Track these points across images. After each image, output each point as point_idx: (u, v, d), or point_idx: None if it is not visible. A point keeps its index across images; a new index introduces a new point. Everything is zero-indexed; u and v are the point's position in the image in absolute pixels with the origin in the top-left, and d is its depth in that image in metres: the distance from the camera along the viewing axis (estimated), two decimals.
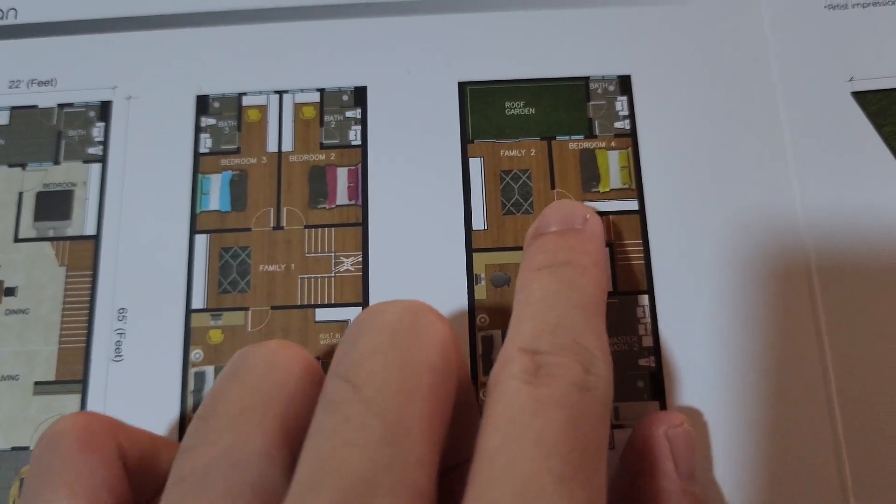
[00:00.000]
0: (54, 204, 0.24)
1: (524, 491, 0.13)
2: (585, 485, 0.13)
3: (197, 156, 0.24)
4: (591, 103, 0.24)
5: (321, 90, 0.24)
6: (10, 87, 0.25)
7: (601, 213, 0.23)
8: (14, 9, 0.26)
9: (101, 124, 0.24)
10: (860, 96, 0.24)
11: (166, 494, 0.14)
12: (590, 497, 0.13)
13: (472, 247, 0.23)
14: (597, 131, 0.24)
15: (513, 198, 0.23)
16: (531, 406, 0.14)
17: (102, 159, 0.24)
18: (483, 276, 0.22)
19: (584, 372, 0.15)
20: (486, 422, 0.14)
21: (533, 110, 0.24)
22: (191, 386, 0.22)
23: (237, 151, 0.24)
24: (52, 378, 0.22)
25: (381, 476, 0.13)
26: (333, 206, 0.23)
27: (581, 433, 0.14)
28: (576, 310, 0.17)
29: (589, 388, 0.15)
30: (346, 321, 0.22)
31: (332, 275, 0.23)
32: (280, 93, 0.24)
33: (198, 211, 0.23)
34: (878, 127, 0.23)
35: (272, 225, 0.23)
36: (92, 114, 0.24)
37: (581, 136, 0.24)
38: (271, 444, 0.14)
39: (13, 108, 0.25)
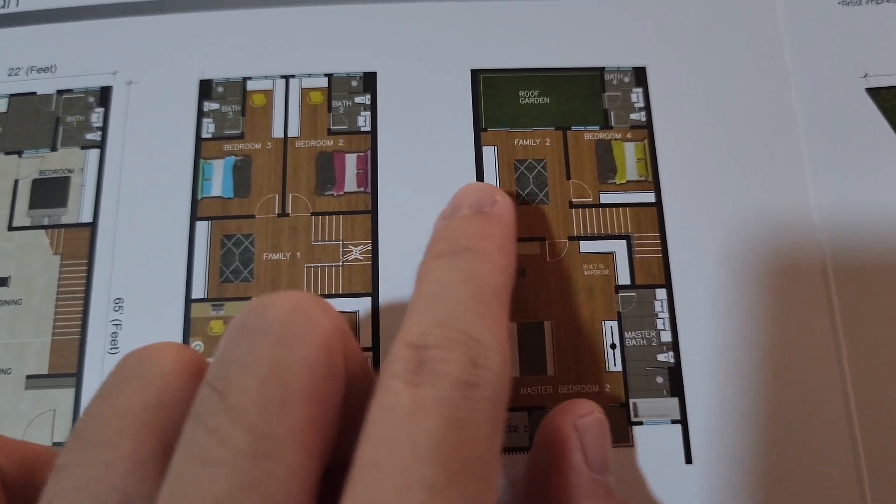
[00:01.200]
0: (50, 191, 0.23)
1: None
2: (464, 492, 0.12)
3: (199, 141, 0.23)
4: (606, 94, 0.24)
5: (329, 75, 0.24)
6: (9, 75, 0.24)
7: (618, 205, 0.22)
8: None
9: (101, 110, 0.23)
10: (874, 92, 0.23)
11: None
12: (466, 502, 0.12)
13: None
14: (612, 122, 0.23)
15: (528, 187, 0.22)
16: (409, 409, 0.13)
17: (101, 145, 0.23)
18: None
19: (472, 366, 0.14)
20: (364, 429, 0.13)
21: (547, 100, 0.23)
22: None
23: (241, 136, 0.23)
24: (44, 371, 0.21)
25: (242, 495, 0.12)
26: (342, 193, 0.22)
27: (463, 436, 0.13)
28: (471, 299, 0.16)
29: (476, 384, 0.14)
30: (354, 312, 0.21)
31: (340, 264, 0.22)
32: (286, 77, 0.24)
33: (199, 197, 0.22)
34: (893, 123, 0.23)
35: (277, 212, 0.22)
36: (91, 99, 0.24)
37: (597, 127, 0.23)
38: (147, 462, 0.13)
39: (12, 96, 0.24)
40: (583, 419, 0.18)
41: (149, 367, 0.15)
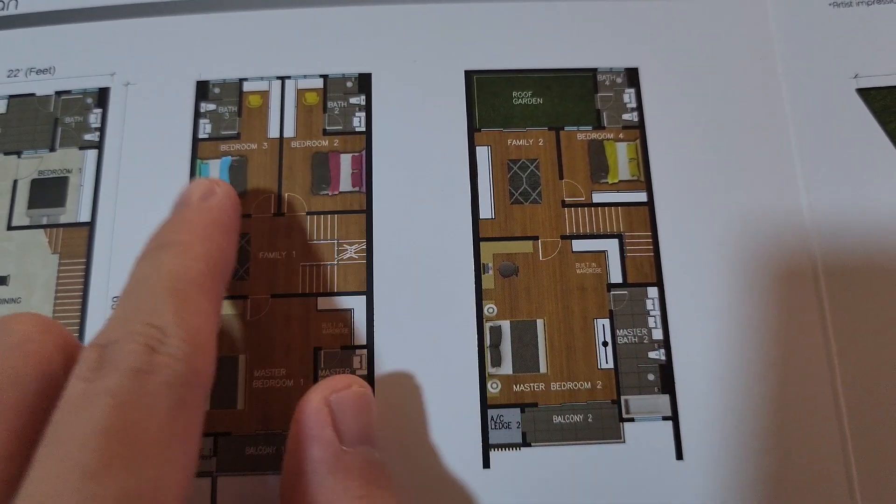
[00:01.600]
0: (48, 191, 0.23)
1: (44, 496, 0.12)
2: (125, 474, 0.12)
3: (196, 141, 0.23)
4: (598, 95, 0.24)
5: (324, 76, 0.24)
6: (8, 76, 0.24)
7: (610, 204, 0.23)
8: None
9: (98, 111, 0.24)
10: (865, 93, 0.24)
11: None
12: (131, 487, 0.12)
13: (479, 236, 0.22)
14: (605, 123, 0.23)
15: (521, 187, 0.23)
16: (78, 401, 0.13)
17: (98, 146, 0.23)
18: (491, 265, 0.22)
19: (148, 353, 0.14)
20: (47, 428, 0.13)
21: (540, 100, 0.24)
22: None
23: (237, 137, 0.23)
24: None
25: None
26: (336, 192, 0.23)
27: (129, 419, 0.13)
28: (161, 290, 0.16)
29: (151, 370, 0.14)
30: (349, 310, 0.21)
31: (335, 262, 0.22)
32: (282, 79, 0.24)
33: None
34: (883, 123, 0.23)
35: (272, 211, 0.23)
36: (89, 100, 0.24)
37: (589, 127, 0.23)
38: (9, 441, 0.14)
39: (11, 97, 0.24)
40: (338, 394, 0.18)
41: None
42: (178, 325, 0.15)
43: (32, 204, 0.23)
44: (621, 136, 0.23)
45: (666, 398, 0.21)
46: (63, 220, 0.23)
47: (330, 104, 0.24)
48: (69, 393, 0.13)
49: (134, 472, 0.12)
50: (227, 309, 0.22)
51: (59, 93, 0.24)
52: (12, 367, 0.15)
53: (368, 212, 0.22)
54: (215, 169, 0.23)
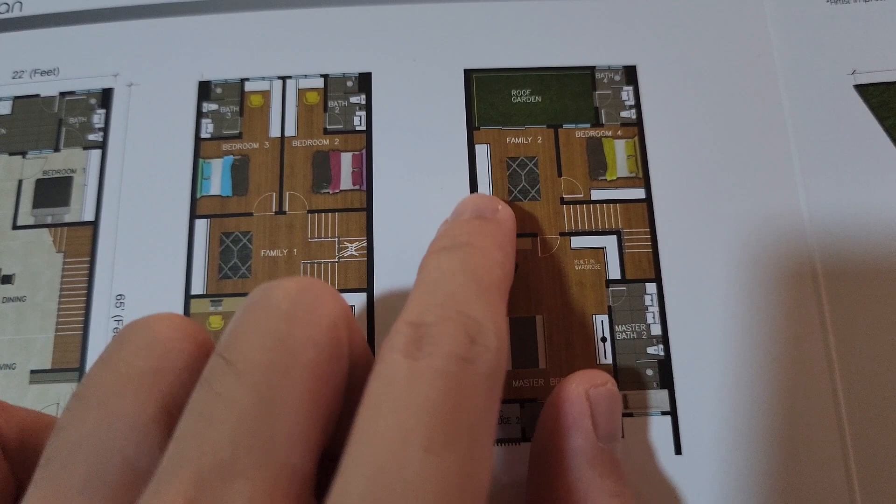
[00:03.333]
0: (53, 190, 0.23)
1: (388, 465, 0.12)
2: (458, 455, 0.13)
3: (198, 141, 0.23)
4: (597, 92, 0.24)
5: (325, 76, 0.24)
6: (13, 78, 0.25)
7: (609, 201, 0.23)
8: (20, 1, 0.26)
9: (102, 111, 0.24)
10: (862, 89, 0.24)
11: (35, 474, 0.14)
12: (463, 467, 0.13)
13: None
14: (603, 120, 0.24)
15: (520, 184, 0.23)
16: (407, 377, 0.13)
17: (102, 146, 0.24)
18: None
19: (469, 342, 0.14)
20: (363, 399, 0.13)
21: (539, 98, 0.24)
22: None
23: (239, 136, 0.24)
24: (48, 366, 0.22)
25: (245, 455, 0.12)
26: (337, 190, 0.23)
27: (458, 403, 0.13)
28: (471, 283, 0.16)
29: (472, 359, 0.14)
30: (350, 307, 0.22)
31: (336, 260, 0.22)
32: (283, 78, 0.24)
33: (198, 196, 0.23)
34: (881, 119, 0.23)
35: (274, 209, 0.23)
36: (93, 101, 0.24)
37: (588, 125, 0.24)
38: (148, 423, 0.14)
39: (16, 98, 0.24)
40: (596, 389, 0.18)
41: (146, 334, 0.15)
42: (491, 321, 0.15)
43: (37, 203, 0.23)
44: (619, 133, 0.23)
45: (664, 393, 0.21)
46: (67, 219, 0.23)
47: (330, 103, 0.24)
48: (388, 367, 0.14)
49: (467, 454, 0.13)
50: (230, 306, 0.22)
51: (63, 94, 0.24)
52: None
53: (369, 210, 0.23)
54: (218, 168, 0.23)
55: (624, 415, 0.21)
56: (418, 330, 0.14)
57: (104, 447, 0.13)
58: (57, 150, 0.24)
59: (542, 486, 0.18)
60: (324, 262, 0.22)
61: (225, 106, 0.24)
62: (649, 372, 0.21)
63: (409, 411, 0.13)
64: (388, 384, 0.13)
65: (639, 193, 0.23)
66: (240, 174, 0.23)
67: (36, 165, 0.24)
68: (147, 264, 0.22)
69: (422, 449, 0.12)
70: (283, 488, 0.12)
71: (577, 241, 0.22)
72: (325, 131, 0.24)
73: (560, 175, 0.23)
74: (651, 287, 0.22)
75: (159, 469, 0.12)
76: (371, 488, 0.12)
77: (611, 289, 0.22)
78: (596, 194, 0.23)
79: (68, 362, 0.22)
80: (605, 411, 0.18)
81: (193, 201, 0.23)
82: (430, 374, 0.13)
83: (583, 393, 0.18)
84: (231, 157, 0.23)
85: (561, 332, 0.22)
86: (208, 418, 0.13)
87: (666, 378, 0.21)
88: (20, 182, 0.23)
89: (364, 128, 0.24)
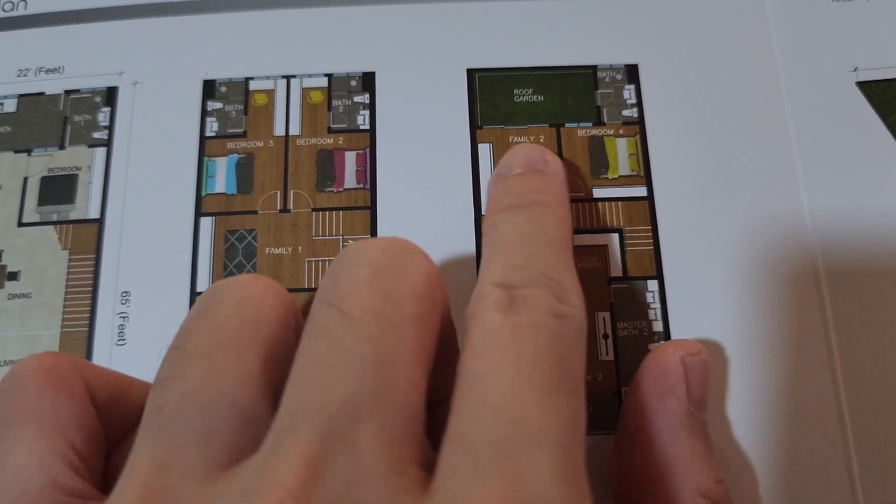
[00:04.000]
0: (58, 188, 0.23)
1: (508, 405, 0.13)
2: (568, 399, 0.13)
3: (203, 139, 0.24)
4: (598, 91, 0.24)
5: (329, 75, 0.24)
6: (18, 76, 0.25)
7: (611, 199, 0.23)
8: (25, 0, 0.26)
9: (107, 109, 0.24)
10: (864, 86, 0.24)
11: (144, 423, 0.14)
12: (572, 410, 0.13)
13: (481, 232, 0.22)
14: (605, 119, 0.24)
15: None
16: (509, 330, 0.14)
17: (107, 143, 0.24)
18: None
19: (557, 301, 0.15)
20: (466, 351, 0.14)
21: (541, 98, 0.24)
22: None
23: (244, 135, 0.24)
24: None
25: (369, 396, 0.13)
26: (341, 189, 0.23)
27: (560, 353, 0.14)
28: (547, 246, 0.17)
29: (564, 315, 0.15)
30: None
31: None
32: (287, 77, 0.24)
33: (203, 194, 0.23)
34: (883, 117, 0.23)
35: (279, 208, 0.23)
36: (98, 99, 0.24)
37: (589, 124, 0.24)
38: (252, 372, 0.14)
39: (21, 96, 0.25)
40: (691, 357, 0.19)
41: (239, 290, 0.16)
42: (572, 283, 0.16)
43: (42, 201, 0.23)
44: (621, 131, 0.24)
45: None
46: (73, 216, 0.23)
47: (334, 102, 0.24)
48: (488, 322, 0.14)
49: (573, 398, 0.14)
50: None
51: (68, 92, 0.24)
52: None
53: (372, 208, 0.23)
54: (222, 166, 0.23)
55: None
56: (507, 291, 0.15)
57: (213, 394, 0.14)
58: (62, 147, 0.24)
59: (634, 448, 0.19)
60: (328, 260, 0.22)
61: (229, 104, 0.24)
62: None
63: (522, 359, 0.14)
64: (490, 335, 0.14)
65: (640, 191, 0.23)
66: (244, 172, 0.23)
67: (41, 163, 0.24)
68: (152, 262, 0.22)
69: (540, 391, 0.13)
70: (407, 428, 0.13)
71: (578, 239, 0.22)
72: (329, 130, 0.24)
73: None
74: (653, 284, 0.22)
75: (282, 414, 0.13)
76: (497, 426, 0.12)
77: (612, 286, 0.22)
78: (598, 192, 0.23)
79: None
80: (698, 378, 0.19)
81: (198, 199, 0.23)
82: (533, 328, 0.14)
83: (679, 359, 0.19)
84: (236, 155, 0.24)
85: None
86: (330, 364, 0.13)
87: None
88: (25, 180, 0.24)
89: (368, 127, 0.24)
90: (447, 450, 0.13)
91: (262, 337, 0.15)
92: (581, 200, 0.23)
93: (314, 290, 0.22)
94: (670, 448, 0.18)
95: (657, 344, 0.21)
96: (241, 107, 0.24)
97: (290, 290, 0.22)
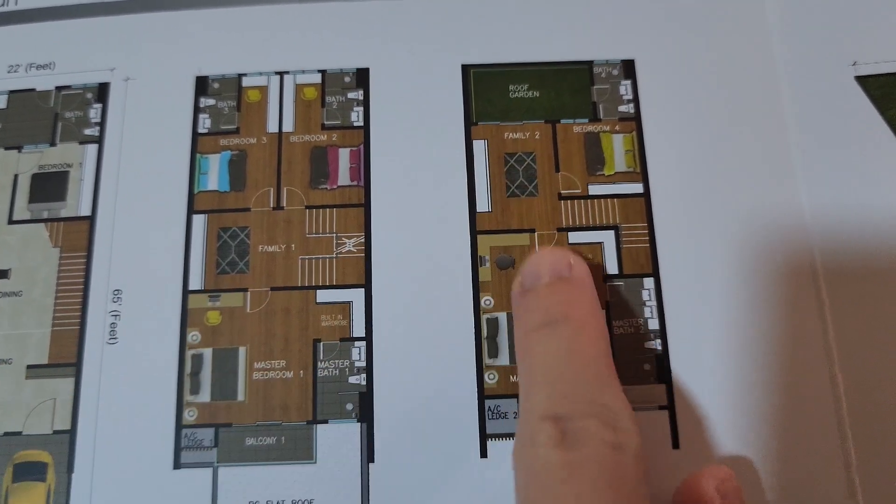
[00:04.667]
0: (49, 185, 0.23)
1: None
2: None
3: (195, 136, 0.23)
4: (595, 87, 0.24)
5: (322, 71, 0.24)
6: (8, 72, 0.24)
7: (607, 196, 0.23)
8: None
9: (98, 106, 0.24)
10: (863, 80, 0.24)
11: None
12: None
13: (476, 229, 0.22)
14: (601, 115, 0.24)
15: (517, 180, 0.23)
16: (563, 470, 0.14)
17: (99, 140, 0.24)
18: (488, 258, 0.22)
19: (612, 430, 0.15)
20: (519, 494, 0.14)
21: (537, 93, 0.24)
22: (188, 368, 0.21)
23: (236, 132, 0.23)
24: (44, 361, 0.22)
25: None
26: (335, 186, 0.23)
27: (621, 492, 0.14)
28: (587, 369, 0.17)
29: (620, 445, 0.15)
30: (348, 302, 0.22)
31: (334, 255, 0.22)
32: (281, 74, 0.24)
33: (196, 191, 0.23)
34: (882, 111, 0.23)
35: (272, 205, 0.23)
36: (89, 95, 0.24)
37: (585, 120, 0.24)
38: None
39: (11, 92, 0.24)
40: (725, 484, 0.19)
41: None
42: (622, 404, 0.16)
43: (33, 198, 0.23)
44: (617, 127, 0.23)
45: (662, 388, 0.21)
46: (64, 214, 0.23)
47: (328, 99, 0.24)
48: (540, 459, 0.14)
49: None
50: (228, 301, 0.22)
51: (59, 88, 0.24)
52: None
53: (367, 206, 0.23)
54: (215, 163, 0.23)
55: None
56: (558, 423, 0.15)
57: None
58: (53, 144, 0.24)
59: None
60: (322, 258, 0.22)
61: (222, 101, 0.24)
62: (647, 366, 0.21)
63: (580, 498, 0.13)
64: (545, 475, 0.14)
65: (637, 188, 0.23)
66: (237, 169, 0.23)
67: (32, 160, 0.24)
68: (144, 259, 0.22)
69: None
70: None
71: (574, 237, 0.22)
72: (323, 127, 0.24)
73: (557, 170, 0.23)
74: (649, 282, 0.22)
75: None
76: None
77: (609, 284, 0.22)
78: (594, 189, 0.23)
79: (65, 357, 0.22)
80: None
81: (191, 196, 0.23)
82: (587, 463, 0.14)
83: (714, 490, 0.19)
84: (228, 152, 0.23)
85: None
86: None
87: (664, 373, 0.21)
88: (16, 177, 0.23)
89: (362, 123, 0.23)
90: None
91: None
92: (576, 198, 0.23)
93: (307, 288, 0.22)
94: None
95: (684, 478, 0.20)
96: (233, 103, 0.24)
97: (284, 289, 0.22)
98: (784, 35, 0.24)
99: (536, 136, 0.23)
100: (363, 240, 0.22)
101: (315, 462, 0.21)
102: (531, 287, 0.20)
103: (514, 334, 0.19)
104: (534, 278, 0.20)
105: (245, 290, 0.22)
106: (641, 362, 0.21)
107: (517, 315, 0.20)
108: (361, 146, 0.23)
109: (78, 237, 0.23)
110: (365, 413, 0.21)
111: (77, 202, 0.23)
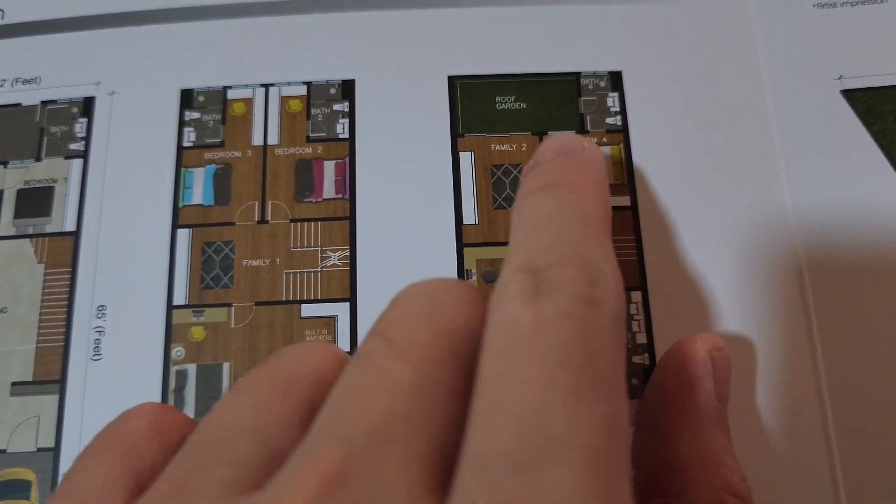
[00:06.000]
0: (35, 201, 0.23)
1: (530, 411, 0.11)
2: (600, 399, 0.12)
3: (180, 149, 0.23)
4: (582, 99, 0.24)
5: (308, 83, 0.24)
6: None
7: None
8: (1, 10, 0.26)
9: (84, 120, 0.24)
10: (849, 94, 0.24)
11: (177, 455, 0.14)
12: (606, 411, 0.12)
13: (462, 241, 0.22)
14: (588, 126, 0.24)
15: (504, 192, 0.23)
16: (532, 323, 0.13)
17: (84, 155, 0.23)
18: (474, 271, 0.22)
19: (590, 285, 0.13)
20: (484, 351, 0.13)
21: (524, 105, 0.24)
22: (172, 384, 0.21)
23: (221, 145, 0.23)
24: (28, 378, 0.21)
25: (401, 421, 0.12)
26: (320, 199, 0.23)
27: (592, 347, 0.13)
28: (576, 224, 0.15)
29: (596, 301, 0.13)
30: (333, 317, 0.22)
31: (319, 269, 0.22)
32: (266, 86, 0.24)
33: (180, 205, 0.23)
34: (868, 125, 0.23)
35: (257, 219, 0.23)
36: (75, 110, 0.24)
37: (573, 132, 0.23)
38: (291, 417, 0.14)
39: None
40: (717, 352, 0.19)
41: (300, 348, 0.15)
42: (606, 263, 0.14)
43: (18, 214, 0.23)
44: (605, 139, 0.23)
45: None
46: (49, 229, 0.23)
47: (313, 111, 0.24)
48: (511, 317, 0.13)
49: (607, 399, 0.12)
50: (212, 316, 0.22)
51: (44, 102, 0.24)
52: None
53: (352, 218, 0.22)
54: (200, 177, 0.23)
55: None
56: (533, 275, 0.14)
57: (250, 430, 0.13)
58: (38, 159, 0.24)
59: (658, 442, 0.18)
60: (307, 272, 0.22)
61: (207, 114, 0.24)
62: (634, 381, 0.21)
63: (545, 357, 0.12)
64: (512, 330, 0.13)
65: (624, 201, 0.23)
66: (222, 183, 0.23)
67: (17, 175, 0.23)
68: (129, 275, 0.22)
69: (565, 393, 0.12)
70: (437, 459, 0.12)
71: None
72: (308, 139, 0.23)
73: None
74: (636, 295, 0.22)
75: (309, 435, 0.12)
76: (517, 435, 0.11)
77: None
78: None
79: (49, 374, 0.21)
80: (723, 373, 0.19)
81: (175, 211, 0.23)
82: (557, 318, 0.13)
83: (706, 352, 0.19)
84: (213, 165, 0.23)
85: None
86: (364, 387, 0.12)
87: None
88: (1, 192, 0.23)
89: (347, 136, 0.23)
90: (460, 469, 0.11)
91: (310, 388, 0.15)
92: None
93: (291, 303, 0.22)
94: (700, 444, 0.18)
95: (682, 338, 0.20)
96: (218, 116, 0.24)
97: (268, 304, 0.22)
98: (770, 48, 0.24)
99: (523, 148, 0.23)
100: (348, 253, 0.22)
101: None
102: (538, 163, 0.19)
103: (514, 204, 0.18)
104: (543, 155, 0.19)
105: (230, 304, 0.22)
106: (629, 377, 0.21)
107: (520, 187, 0.18)
108: (347, 158, 0.23)
109: (63, 253, 0.22)
110: None
111: (62, 217, 0.23)
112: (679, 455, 0.18)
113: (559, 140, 0.19)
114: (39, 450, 0.21)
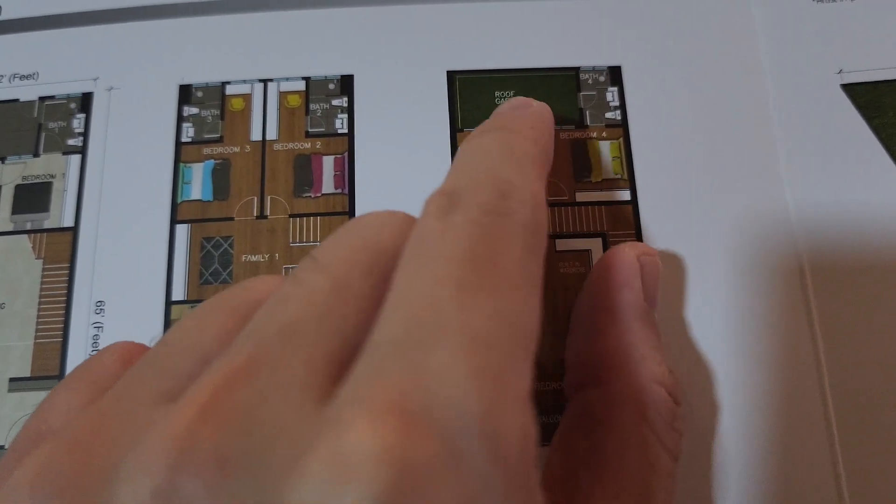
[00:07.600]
0: (33, 196, 0.23)
1: (423, 306, 0.12)
2: (495, 297, 0.12)
3: (179, 145, 0.23)
4: (581, 93, 0.24)
5: (307, 78, 0.24)
6: None
7: (594, 203, 0.23)
8: None
9: (82, 116, 0.24)
10: (849, 88, 0.24)
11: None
12: (502, 308, 0.12)
13: None
14: (588, 121, 0.23)
15: None
16: (439, 231, 0.13)
17: (82, 150, 0.23)
18: None
19: (501, 198, 0.14)
20: (399, 261, 0.14)
21: None
22: None
23: (220, 140, 0.23)
24: (27, 374, 0.21)
25: (313, 322, 0.13)
26: (319, 194, 0.23)
27: (492, 247, 0.13)
28: (499, 154, 0.16)
29: (505, 212, 0.14)
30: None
31: None
32: (265, 81, 0.24)
33: (179, 201, 0.23)
34: (868, 119, 0.23)
35: (256, 214, 0.23)
36: (73, 105, 0.24)
37: (572, 126, 0.23)
38: (232, 331, 0.15)
39: None
40: (647, 257, 0.20)
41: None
42: (524, 181, 0.15)
43: (16, 209, 0.23)
44: (604, 134, 0.23)
45: None
46: (47, 225, 0.23)
47: (312, 106, 0.24)
48: (422, 229, 0.14)
49: (504, 296, 0.13)
50: None
51: (42, 98, 0.24)
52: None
53: (351, 213, 0.22)
54: (198, 172, 0.23)
55: None
56: (450, 196, 0.14)
57: (189, 347, 0.14)
58: (36, 155, 0.23)
59: (588, 339, 0.20)
60: None
61: (206, 109, 0.24)
62: None
63: (442, 259, 0.13)
64: (421, 241, 0.13)
65: (624, 195, 0.23)
66: (221, 178, 0.23)
67: (15, 171, 0.23)
68: (127, 270, 0.22)
69: (456, 287, 0.12)
70: (346, 357, 0.12)
71: (561, 244, 0.22)
72: (307, 134, 0.23)
73: None
74: None
75: (232, 343, 0.13)
76: (406, 325, 0.12)
77: None
78: (581, 196, 0.23)
79: (48, 370, 0.21)
80: (651, 276, 0.20)
81: (174, 206, 0.23)
82: (462, 224, 0.13)
83: (635, 256, 0.20)
84: (212, 161, 0.23)
85: (545, 336, 0.21)
86: (285, 297, 0.13)
87: None
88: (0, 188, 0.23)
89: (346, 131, 0.23)
90: (356, 359, 0.12)
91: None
92: (564, 204, 0.23)
93: None
94: (626, 337, 0.19)
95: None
96: (217, 111, 0.24)
97: None
98: (771, 42, 0.24)
99: None
100: None
101: None
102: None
103: None
104: (494, 112, 0.20)
105: None
106: None
107: None
108: (346, 153, 0.23)
109: (61, 248, 0.22)
110: None
111: (60, 213, 0.23)
112: (607, 347, 0.19)
113: (510, 101, 0.20)
114: None
